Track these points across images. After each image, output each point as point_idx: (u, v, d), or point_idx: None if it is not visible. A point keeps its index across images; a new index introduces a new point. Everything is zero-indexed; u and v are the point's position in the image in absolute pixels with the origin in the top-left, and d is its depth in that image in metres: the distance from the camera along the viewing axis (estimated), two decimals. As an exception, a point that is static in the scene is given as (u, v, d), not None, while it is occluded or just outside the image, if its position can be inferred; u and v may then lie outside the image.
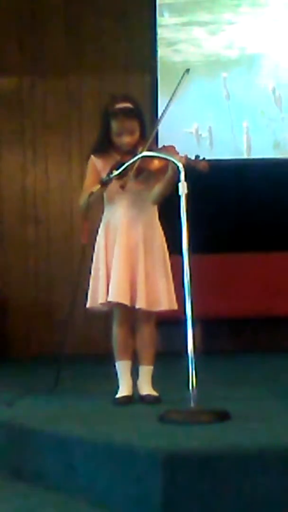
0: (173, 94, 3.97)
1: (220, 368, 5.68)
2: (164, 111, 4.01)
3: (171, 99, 3.96)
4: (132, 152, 3.96)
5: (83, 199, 4.08)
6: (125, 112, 4.00)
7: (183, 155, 3.77)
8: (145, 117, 4.17)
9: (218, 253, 6.77)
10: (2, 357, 6.53)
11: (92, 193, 4.01)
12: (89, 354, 6.68)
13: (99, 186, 4.00)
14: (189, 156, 3.78)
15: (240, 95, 7.07)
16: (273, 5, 7.17)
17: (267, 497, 2.78)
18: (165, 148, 3.90)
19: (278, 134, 7.09)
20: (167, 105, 3.97)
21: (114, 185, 3.99)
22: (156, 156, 3.88)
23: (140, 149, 3.95)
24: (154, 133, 4.06)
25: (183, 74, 3.98)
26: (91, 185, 4.07)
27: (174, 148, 3.87)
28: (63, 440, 3.28)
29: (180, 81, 3.98)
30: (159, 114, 6.60)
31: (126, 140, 4.00)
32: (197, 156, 3.80)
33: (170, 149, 3.86)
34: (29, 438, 3.47)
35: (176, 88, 3.97)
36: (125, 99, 4.08)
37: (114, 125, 4.01)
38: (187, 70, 3.97)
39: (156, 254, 4.03)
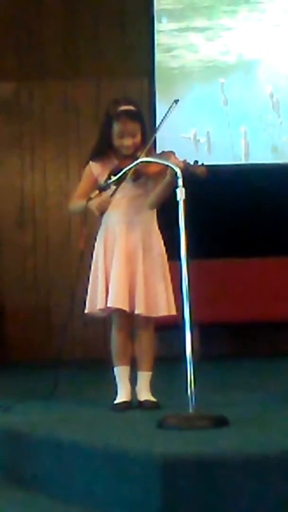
0: (161, 122, 3.99)
1: (219, 373, 5.68)
2: (157, 129, 4.02)
3: (159, 126, 3.99)
4: (131, 156, 3.96)
5: (73, 205, 4.10)
6: (128, 114, 4.00)
7: (182, 160, 3.78)
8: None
9: (217, 259, 6.78)
10: (0, 362, 6.53)
11: (90, 198, 4.00)
12: (87, 359, 6.68)
13: (97, 192, 4.00)
14: (188, 161, 3.78)
15: (238, 100, 7.09)
16: (270, 11, 7.18)
17: (265, 502, 2.78)
18: (165, 154, 3.90)
19: (276, 139, 7.11)
20: (157, 129, 3.99)
21: (112, 191, 4.00)
22: (155, 161, 3.88)
23: (138, 154, 3.96)
24: (152, 139, 4.06)
25: (172, 104, 4.00)
26: (83, 191, 4.08)
27: (174, 153, 3.87)
28: (61, 446, 3.27)
29: (168, 111, 4.00)
30: (157, 120, 6.66)
31: (128, 142, 4.00)
32: (195, 162, 3.80)
33: (169, 155, 3.86)
34: (26, 443, 3.47)
35: (164, 117, 3.99)
36: (128, 102, 4.10)
37: (117, 127, 4.01)
38: (176, 101, 4.00)
39: (154, 259, 4.02)
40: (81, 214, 4.12)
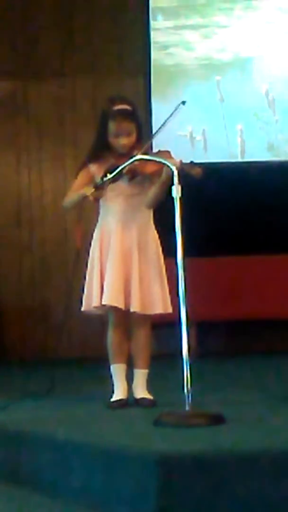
0: (165, 122, 3.96)
1: (215, 371, 5.68)
2: (159, 128, 4.00)
3: (164, 124, 3.96)
4: (128, 155, 3.97)
5: (68, 200, 4.10)
6: (123, 114, 4.01)
7: (178, 159, 3.78)
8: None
9: (213, 256, 6.78)
10: (-3, 361, 6.53)
11: (86, 196, 4.01)
12: (84, 357, 6.68)
13: (92, 189, 4.01)
14: (184, 161, 3.78)
15: (234, 98, 7.09)
16: (265, 9, 7.18)
17: (261, 500, 2.78)
18: (161, 153, 3.91)
19: (271, 137, 7.11)
20: (162, 126, 3.96)
21: (108, 189, 4.00)
22: (151, 160, 3.89)
23: (135, 153, 3.96)
24: (150, 140, 4.06)
25: (179, 104, 3.96)
26: (79, 187, 4.09)
27: (170, 153, 3.88)
28: (58, 444, 3.28)
29: (174, 111, 3.96)
30: (153, 118, 6.66)
31: (123, 141, 4.01)
32: (191, 162, 3.81)
33: (165, 154, 3.87)
34: (24, 441, 3.47)
35: (171, 115, 3.96)
36: (123, 101, 4.10)
37: (112, 126, 4.01)
38: (183, 102, 3.96)
39: (150, 257, 4.03)
40: (77, 212, 4.11)
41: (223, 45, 7.17)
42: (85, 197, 3.98)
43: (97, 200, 4.01)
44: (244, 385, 4.79)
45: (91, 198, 3.98)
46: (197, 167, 3.79)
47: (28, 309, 7.14)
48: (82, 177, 4.12)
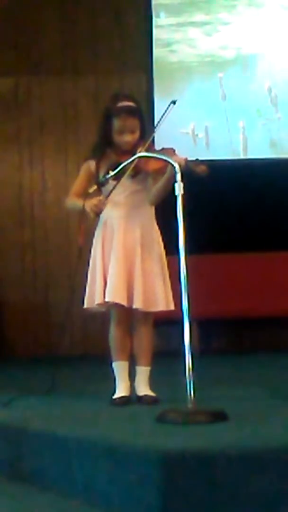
0: (159, 122, 3.99)
1: (218, 368, 5.68)
2: (155, 130, 4.02)
3: (156, 126, 3.99)
4: (131, 152, 3.96)
5: (70, 202, 4.10)
6: (128, 110, 4.00)
7: (183, 157, 3.77)
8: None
9: (216, 253, 6.78)
10: (-1, 358, 6.54)
11: (88, 193, 4.01)
12: (86, 354, 6.69)
13: (95, 187, 4.00)
14: (188, 159, 3.77)
15: (236, 95, 7.09)
16: (268, 6, 7.19)
17: (265, 497, 2.78)
18: (165, 150, 3.90)
19: (274, 134, 7.11)
20: (155, 129, 3.99)
21: (111, 186, 4.00)
22: (154, 157, 3.88)
23: (138, 150, 3.96)
24: (151, 137, 4.05)
25: (169, 105, 3.97)
26: (80, 187, 4.09)
27: (174, 150, 3.87)
28: (60, 441, 3.27)
29: (165, 112, 3.98)
30: (155, 116, 6.66)
31: (127, 138, 4.00)
32: (196, 160, 3.80)
33: (169, 151, 3.86)
34: (26, 438, 3.47)
35: (161, 118, 3.98)
36: (127, 97, 4.10)
37: (116, 123, 4.01)
38: (173, 102, 3.97)
39: (153, 254, 4.03)
40: (79, 210, 4.11)
41: (225, 42, 7.17)
42: (85, 211, 3.98)
43: (97, 215, 4.00)
44: (246, 382, 4.79)
45: (92, 214, 3.97)
46: (203, 165, 3.78)
47: (30, 306, 7.14)
48: (83, 174, 4.12)
